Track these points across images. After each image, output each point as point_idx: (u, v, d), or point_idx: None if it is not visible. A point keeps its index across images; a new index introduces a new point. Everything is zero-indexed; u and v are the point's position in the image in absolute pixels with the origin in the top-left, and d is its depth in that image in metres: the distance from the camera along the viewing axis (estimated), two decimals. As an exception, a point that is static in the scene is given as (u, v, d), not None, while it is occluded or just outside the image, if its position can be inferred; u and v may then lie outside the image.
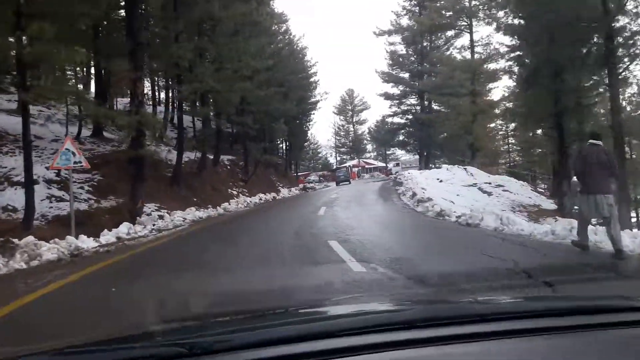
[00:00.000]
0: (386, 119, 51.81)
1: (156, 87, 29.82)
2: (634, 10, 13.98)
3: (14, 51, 9.72)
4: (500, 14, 21.49)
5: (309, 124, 44.02)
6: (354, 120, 76.44)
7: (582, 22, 14.10)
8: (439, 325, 1.06)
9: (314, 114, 43.13)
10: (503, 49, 28.31)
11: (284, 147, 42.73)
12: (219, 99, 19.61)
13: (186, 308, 3.37)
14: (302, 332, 1.03)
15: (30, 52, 9.14)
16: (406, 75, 44.73)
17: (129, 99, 14.67)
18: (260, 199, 22.10)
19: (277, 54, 27.44)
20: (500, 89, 40.21)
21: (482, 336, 1.02)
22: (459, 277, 4.71)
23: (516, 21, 21.37)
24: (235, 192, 24.16)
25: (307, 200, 20.57)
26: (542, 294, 3.95)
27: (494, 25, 22.35)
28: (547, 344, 1.02)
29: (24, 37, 9.15)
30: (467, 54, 37.14)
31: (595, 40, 15.15)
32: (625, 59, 14.72)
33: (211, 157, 23.40)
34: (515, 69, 26.04)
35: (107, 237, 9.30)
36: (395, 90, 45.12)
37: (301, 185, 35.00)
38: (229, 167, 26.89)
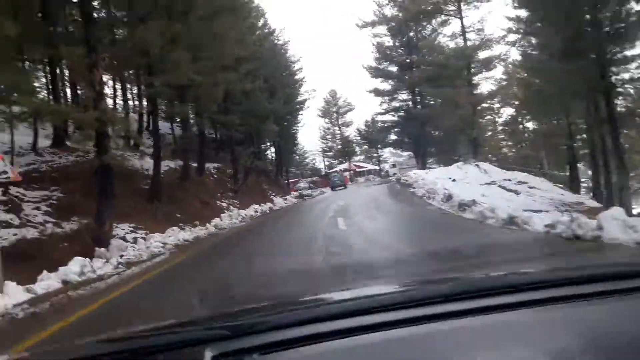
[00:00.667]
0: (376, 118, 49.37)
1: (128, 93, 26.46)
2: None
3: None
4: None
5: (298, 125, 41.22)
6: (340, 123, 74.16)
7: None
8: (466, 298, 1.06)
9: (302, 114, 40.36)
10: (508, 27, 26.08)
11: (272, 152, 39.90)
12: (200, 94, 16.59)
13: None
14: (333, 310, 1.08)
15: None
16: (395, 68, 42.21)
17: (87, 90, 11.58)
18: (256, 211, 19.10)
19: (259, 45, 24.53)
20: (489, 81, 37.68)
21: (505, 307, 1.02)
22: None
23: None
24: (225, 205, 21.10)
25: (311, 210, 17.61)
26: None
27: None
28: (573, 312, 1.02)
29: None
30: (458, 42, 34.88)
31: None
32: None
33: (195, 165, 20.31)
34: (528, 49, 23.83)
35: (49, 281, 6.24)
36: (386, 86, 42.55)
37: (296, 193, 32.02)
38: (215, 177, 23.81)
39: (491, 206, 9.89)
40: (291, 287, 4.82)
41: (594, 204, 16.86)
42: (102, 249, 9.47)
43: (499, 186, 19.81)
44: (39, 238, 10.76)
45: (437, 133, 41.23)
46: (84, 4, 10.34)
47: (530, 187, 19.66)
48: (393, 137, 46.88)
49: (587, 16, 13.97)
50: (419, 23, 38.60)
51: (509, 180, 21.40)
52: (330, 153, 75.46)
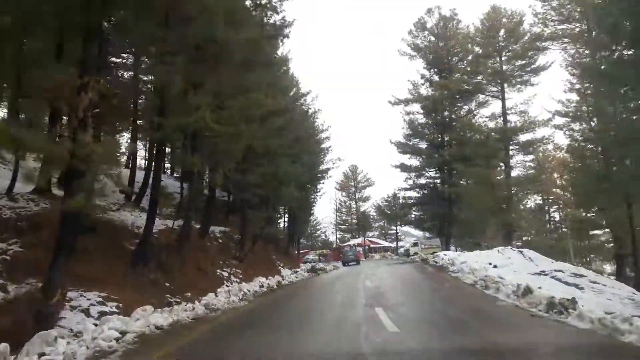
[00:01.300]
0: (399, 194, 46.92)
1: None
2: None
3: None
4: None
5: (318, 194, 38.83)
6: (357, 197, 72.01)
7: None
8: None
9: (323, 183, 38.13)
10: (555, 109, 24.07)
11: (284, 220, 37.18)
12: (218, 145, 14.32)
13: None
14: None
15: None
16: (424, 145, 40.42)
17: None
18: (262, 286, 15.92)
19: (290, 103, 22.81)
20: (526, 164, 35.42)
21: None
22: None
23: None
24: (226, 274, 18.01)
25: (332, 291, 14.38)
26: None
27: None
28: None
29: None
30: (497, 123, 33.15)
31: None
32: None
33: (198, 226, 17.60)
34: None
35: None
36: (414, 162, 40.50)
37: (307, 266, 28.71)
38: (220, 241, 20.94)
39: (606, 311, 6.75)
40: None
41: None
42: (54, 330, 6.55)
43: (553, 278, 16.45)
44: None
45: (462, 215, 38.41)
46: (91, 12, 8.34)
47: (590, 282, 16.26)
48: (415, 213, 43.99)
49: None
50: (455, 103, 37.58)
51: (561, 271, 18.05)
52: (344, 226, 72.58)
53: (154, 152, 14.62)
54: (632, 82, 13.25)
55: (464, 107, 38.38)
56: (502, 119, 31.81)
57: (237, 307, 11.31)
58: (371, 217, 65.97)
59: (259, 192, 21.60)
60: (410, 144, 40.38)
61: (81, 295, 9.69)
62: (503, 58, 31.97)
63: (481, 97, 35.20)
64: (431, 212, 39.33)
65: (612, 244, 23.45)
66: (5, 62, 9.60)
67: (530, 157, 33.64)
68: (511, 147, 31.68)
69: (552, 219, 51.35)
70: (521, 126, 30.68)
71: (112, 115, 15.39)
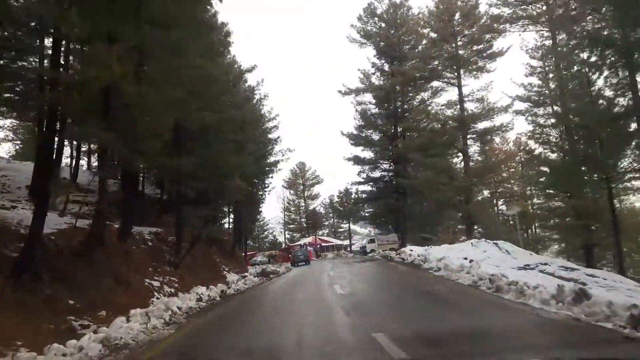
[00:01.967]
0: (350, 189, 44.76)
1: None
2: None
3: None
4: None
5: (266, 190, 35.58)
6: (306, 195, 69.37)
7: None
8: None
9: (272, 177, 34.93)
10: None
11: (229, 220, 33.66)
12: (140, 117, 10.87)
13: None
14: None
15: None
16: (378, 136, 38.41)
17: None
18: (199, 299, 12.46)
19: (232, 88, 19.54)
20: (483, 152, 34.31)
21: None
22: None
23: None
24: (157, 284, 14.50)
25: (294, 302, 11.18)
26: None
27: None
28: None
29: None
30: (451, 111, 31.71)
31: None
32: None
33: (117, 226, 13.94)
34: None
35: None
36: (368, 154, 38.35)
37: (258, 269, 25.48)
38: (150, 244, 17.26)
39: None
40: None
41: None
42: None
43: (542, 272, 14.53)
44: None
45: (418, 209, 36.86)
46: None
47: (588, 275, 14.51)
48: (369, 210, 41.92)
49: None
50: (408, 92, 35.94)
51: (547, 264, 16.29)
52: (293, 226, 69.64)
53: (44, 124, 10.83)
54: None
55: (417, 96, 36.94)
56: (459, 106, 30.31)
57: (158, 338, 7.72)
58: (321, 214, 63.51)
59: (196, 185, 18.13)
60: (363, 135, 38.26)
61: None
62: (459, 43, 30.56)
63: (436, 85, 33.73)
64: (386, 207, 37.40)
65: (578, 234, 22.30)
66: None
67: (489, 146, 32.59)
68: (469, 136, 30.28)
69: (500, 211, 51.75)
70: (479, 113, 29.33)
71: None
